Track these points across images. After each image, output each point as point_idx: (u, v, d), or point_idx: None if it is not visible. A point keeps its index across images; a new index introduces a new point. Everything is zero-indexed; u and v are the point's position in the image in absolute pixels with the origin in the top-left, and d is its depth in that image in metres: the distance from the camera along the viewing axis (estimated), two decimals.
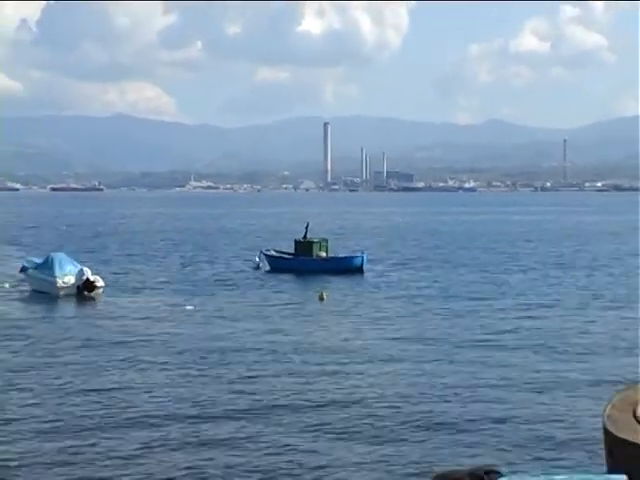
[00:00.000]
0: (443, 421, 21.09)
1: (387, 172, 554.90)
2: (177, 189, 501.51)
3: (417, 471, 17.17)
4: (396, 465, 17.86)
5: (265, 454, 18.73)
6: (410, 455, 18.46)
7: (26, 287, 46.81)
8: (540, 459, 17.83)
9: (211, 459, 18.60)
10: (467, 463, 14.67)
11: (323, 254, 57.42)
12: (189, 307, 40.81)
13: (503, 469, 3.67)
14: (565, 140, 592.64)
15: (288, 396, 23.65)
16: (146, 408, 22.48)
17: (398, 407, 22.60)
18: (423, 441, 19.34)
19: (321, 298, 42.95)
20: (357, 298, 44.41)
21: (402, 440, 19.61)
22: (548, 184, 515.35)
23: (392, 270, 57.93)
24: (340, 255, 58.48)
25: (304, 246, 57.47)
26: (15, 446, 19.24)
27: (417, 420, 21.24)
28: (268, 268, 57.48)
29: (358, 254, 57.45)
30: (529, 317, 37.49)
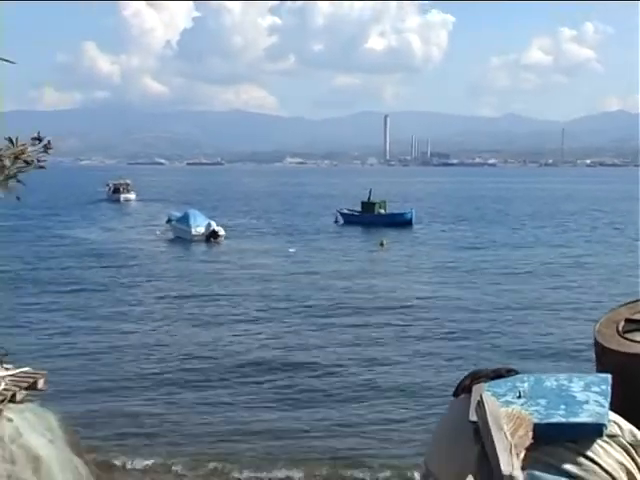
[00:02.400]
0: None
1: (430, 152, 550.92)
2: (277, 164, 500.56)
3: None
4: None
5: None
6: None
7: (170, 234, 47.42)
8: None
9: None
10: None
11: (382, 211, 57.34)
12: (291, 250, 41.02)
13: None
14: (563, 129, 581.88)
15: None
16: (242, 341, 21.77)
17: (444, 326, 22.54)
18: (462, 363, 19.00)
19: (381, 244, 42.95)
20: (407, 244, 44.50)
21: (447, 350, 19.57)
22: (550, 161, 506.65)
23: (435, 223, 57.71)
24: (395, 212, 58.21)
25: (368, 206, 57.46)
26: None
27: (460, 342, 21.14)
28: (342, 222, 57.52)
29: (408, 211, 57.14)
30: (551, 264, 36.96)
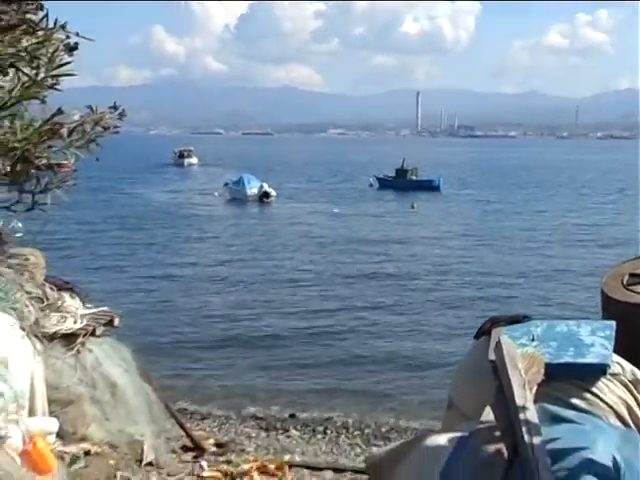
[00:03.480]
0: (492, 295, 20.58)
1: (457, 125, 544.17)
2: (321, 134, 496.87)
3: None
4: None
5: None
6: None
7: (227, 195, 47.58)
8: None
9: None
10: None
11: (414, 177, 56.96)
12: (335, 210, 41.01)
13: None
14: (577, 105, 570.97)
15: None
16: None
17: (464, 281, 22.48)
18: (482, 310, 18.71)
19: (412, 206, 42.76)
20: (435, 206, 44.26)
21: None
22: (565, 134, 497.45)
23: (460, 189, 57.21)
24: (424, 178, 57.73)
25: (401, 172, 57.15)
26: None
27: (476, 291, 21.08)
28: (378, 186, 57.31)
29: (436, 178, 56.69)
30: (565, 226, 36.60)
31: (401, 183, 55.17)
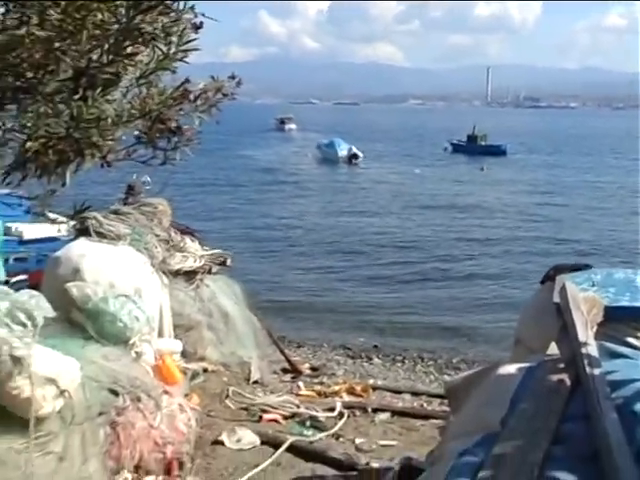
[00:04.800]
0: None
1: (523, 96, 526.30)
2: (402, 105, 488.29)
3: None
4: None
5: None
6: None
7: (319, 156, 47.55)
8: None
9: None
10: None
11: (483, 143, 55.44)
12: (417, 171, 40.56)
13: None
14: (632, 79, 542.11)
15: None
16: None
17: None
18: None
19: (482, 169, 41.86)
20: (502, 169, 42.93)
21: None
22: (621, 105, 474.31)
23: (526, 153, 55.43)
24: (493, 144, 56.11)
25: (472, 138, 55.58)
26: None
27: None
28: (452, 150, 56.16)
29: (503, 144, 55.10)
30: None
31: (472, 148, 53.85)
